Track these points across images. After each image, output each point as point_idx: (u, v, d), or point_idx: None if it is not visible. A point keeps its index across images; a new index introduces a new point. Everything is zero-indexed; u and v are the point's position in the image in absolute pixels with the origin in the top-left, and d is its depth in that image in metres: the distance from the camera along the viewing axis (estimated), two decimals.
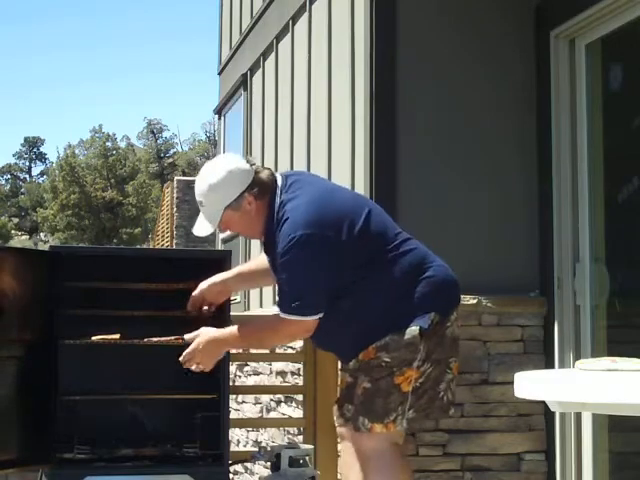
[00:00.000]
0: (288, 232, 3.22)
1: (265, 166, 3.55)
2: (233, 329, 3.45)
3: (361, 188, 4.88)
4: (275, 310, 3.32)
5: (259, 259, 3.69)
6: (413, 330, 3.25)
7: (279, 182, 3.39)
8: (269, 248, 3.40)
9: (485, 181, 4.92)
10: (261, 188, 3.35)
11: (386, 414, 3.27)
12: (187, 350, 3.41)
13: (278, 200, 3.34)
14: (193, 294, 3.76)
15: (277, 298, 3.34)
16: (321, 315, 3.26)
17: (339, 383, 3.58)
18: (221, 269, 3.94)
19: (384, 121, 4.80)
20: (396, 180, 4.78)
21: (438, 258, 3.43)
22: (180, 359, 3.42)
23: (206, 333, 3.44)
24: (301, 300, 3.24)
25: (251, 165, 3.38)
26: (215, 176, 3.36)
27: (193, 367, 3.46)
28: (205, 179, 3.40)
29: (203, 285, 3.75)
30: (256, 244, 7.60)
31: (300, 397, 4.95)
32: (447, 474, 4.58)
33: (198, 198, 3.43)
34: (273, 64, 7.36)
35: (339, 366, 3.62)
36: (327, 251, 3.21)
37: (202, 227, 3.44)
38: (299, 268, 3.23)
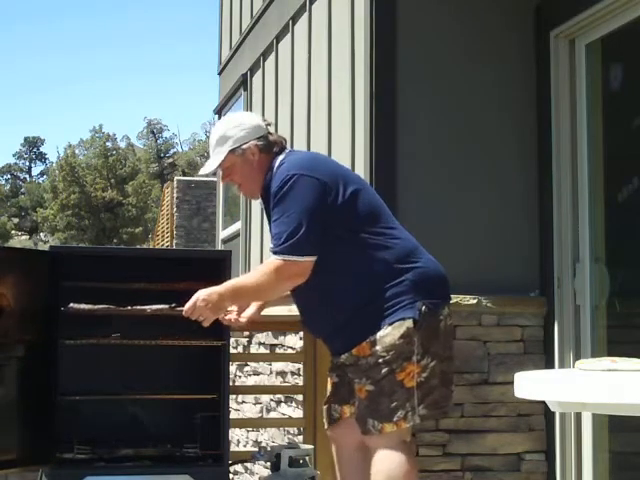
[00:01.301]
0: (283, 172, 3.33)
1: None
2: (229, 281, 3.48)
3: None
4: (271, 258, 3.32)
5: None
6: (404, 322, 3.23)
7: (286, 151, 3.52)
8: (267, 204, 3.44)
9: (485, 181, 4.92)
10: (267, 144, 3.48)
11: (393, 412, 3.24)
12: (188, 303, 3.34)
13: (279, 160, 3.44)
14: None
15: (270, 245, 3.34)
16: (315, 258, 3.26)
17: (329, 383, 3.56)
18: (221, 269, 3.94)
19: (384, 121, 4.80)
20: (396, 180, 4.78)
21: (428, 253, 3.43)
22: (183, 312, 3.36)
23: (205, 289, 3.39)
24: (295, 239, 3.23)
25: (266, 125, 3.55)
26: (229, 122, 3.54)
27: (197, 318, 3.38)
28: (220, 124, 3.60)
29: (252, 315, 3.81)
30: (256, 244, 7.60)
31: (300, 397, 4.95)
32: (447, 474, 4.58)
33: (210, 140, 3.55)
34: (273, 64, 7.36)
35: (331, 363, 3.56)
36: (318, 196, 3.26)
37: (207, 165, 3.54)
38: (292, 205, 3.26)
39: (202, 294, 3.30)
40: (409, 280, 3.29)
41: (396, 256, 3.31)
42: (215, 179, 12.77)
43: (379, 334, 3.25)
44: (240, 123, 3.50)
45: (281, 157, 3.45)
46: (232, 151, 3.47)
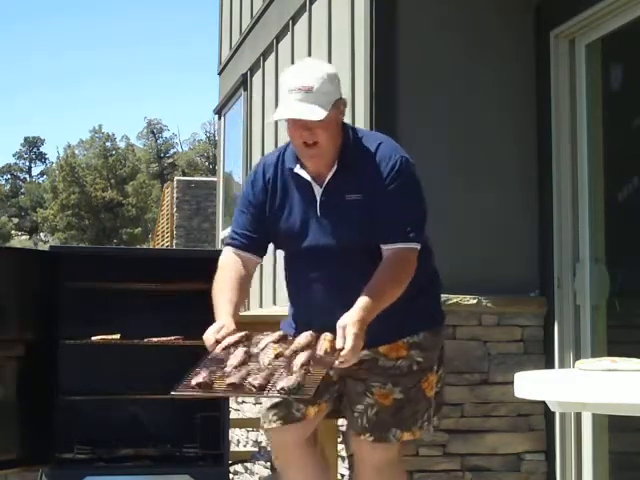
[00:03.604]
0: (395, 152, 3.03)
1: None
2: (368, 301, 2.84)
3: None
4: (398, 246, 2.95)
5: (234, 281, 3.11)
6: (441, 329, 3.20)
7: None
8: (340, 180, 3.02)
9: (485, 181, 4.92)
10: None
11: (415, 421, 3.11)
12: (346, 351, 2.73)
13: (363, 133, 3.15)
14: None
15: (393, 230, 2.96)
16: None
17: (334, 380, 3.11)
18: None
19: (384, 121, 4.80)
20: None
21: None
22: (337, 363, 2.77)
23: (351, 323, 2.78)
24: (424, 225, 3.02)
25: None
26: (331, 68, 3.06)
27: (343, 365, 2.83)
28: (319, 67, 3.03)
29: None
30: None
31: None
32: (447, 474, 4.58)
33: (307, 83, 2.92)
34: (273, 64, 7.36)
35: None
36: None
37: (309, 111, 2.90)
38: (418, 190, 3.05)
39: (355, 343, 2.74)
40: (440, 285, 3.30)
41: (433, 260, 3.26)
42: (215, 179, 12.75)
43: (420, 337, 3.09)
44: (336, 74, 3.02)
45: (357, 130, 3.13)
46: (337, 101, 2.98)
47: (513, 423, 4.67)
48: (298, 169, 3.07)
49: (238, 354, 2.78)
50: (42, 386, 4.02)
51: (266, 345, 2.84)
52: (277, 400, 3.06)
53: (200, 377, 2.68)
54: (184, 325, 4.00)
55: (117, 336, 4.13)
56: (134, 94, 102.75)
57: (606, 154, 4.71)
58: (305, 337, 2.84)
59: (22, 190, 60.70)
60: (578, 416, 4.56)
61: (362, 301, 2.82)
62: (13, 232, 53.46)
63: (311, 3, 6.29)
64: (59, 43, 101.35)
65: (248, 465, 5.94)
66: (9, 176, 63.07)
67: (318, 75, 2.95)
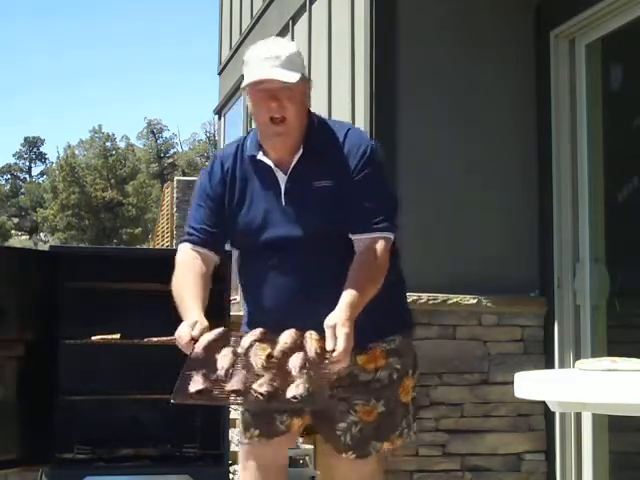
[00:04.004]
0: (364, 139, 2.91)
1: None
2: (353, 297, 2.67)
3: None
4: (372, 236, 2.80)
5: (194, 278, 2.91)
6: (411, 332, 3.05)
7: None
8: (306, 166, 2.86)
9: (485, 181, 4.92)
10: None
11: (393, 430, 2.95)
12: (339, 352, 2.57)
13: (330, 120, 3.04)
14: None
15: (366, 219, 2.81)
16: None
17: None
18: (220, 269, 3.94)
19: (384, 121, 4.80)
20: (396, 180, 4.77)
21: None
22: (334, 367, 2.59)
23: (341, 323, 2.61)
24: (397, 214, 2.87)
25: None
26: (296, 45, 3.00)
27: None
28: (287, 43, 3.03)
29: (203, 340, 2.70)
30: None
31: None
32: (447, 474, 4.58)
33: (278, 52, 2.85)
34: None
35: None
36: None
37: (283, 75, 2.80)
38: (386, 177, 2.92)
39: (347, 344, 2.57)
40: (406, 286, 3.11)
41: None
42: None
43: (396, 343, 2.91)
44: (301, 53, 2.97)
45: (320, 116, 2.99)
46: (303, 76, 2.87)
47: (513, 423, 4.67)
48: (260, 156, 2.90)
49: (227, 355, 2.59)
50: (42, 386, 4.02)
51: (251, 344, 2.63)
52: (258, 410, 2.85)
53: (199, 384, 2.51)
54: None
55: (117, 336, 4.13)
56: (134, 94, 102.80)
57: (606, 154, 4.71)
58: (290, 335, 2.64)
59: (22, 190, 60.69)
60: (578, 416, 4.56)
61: (347, 298, 2.65)
62: (13, 232, 53.46)
63: (311, 3, 6.29)
64: (59, 43, 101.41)
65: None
66: (9, 176, 63.07)
67: (287, 47, 2.92)
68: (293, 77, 2.79)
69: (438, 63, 4.93)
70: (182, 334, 2.66)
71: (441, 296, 4.57)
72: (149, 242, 36.29)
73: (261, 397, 2.46)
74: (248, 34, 8.36)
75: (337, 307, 2.64)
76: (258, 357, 2.57)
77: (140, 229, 42.82)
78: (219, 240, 2.97)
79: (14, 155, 64.50)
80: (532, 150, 4.93)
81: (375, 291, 2.75)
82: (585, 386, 2.38)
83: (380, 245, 2.80)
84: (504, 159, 4.95)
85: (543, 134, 4.87)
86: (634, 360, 2.57)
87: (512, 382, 2.68)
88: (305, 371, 2.52)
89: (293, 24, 6.75)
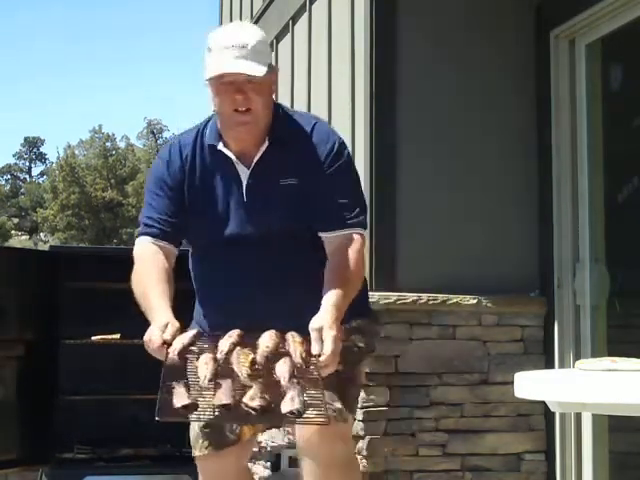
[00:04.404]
0: (332, 134, 2.81)
1: None
2: (337, 297, 2.53)
3: None
4: (345, 232, 2.68)
5: (158, 275, 2.73)
6: (378, 324, 3.01)
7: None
8: (270, 161, 2.72)
9: (485, 181, 4.92)
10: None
11: (355, 406, 2.83)
12: (327, 357, 2.42)
13: (296, 112, 2.90)
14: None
15: (339, 216, 2.70)
16: None
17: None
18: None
19: (384, 122, 4.80)
20: (396, 180, 4.77)
21: None
22: (322, 372, 2.43)
23: (328, 325, 2.46)
24: (366, 209, 2.77)
25: None
26: (262, 33, 2.76)
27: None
28: (252, 27, 2.80)
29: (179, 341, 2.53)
30: None
31: None
32: (447, 474, 4.58)
33: (243, 40, 2.63)
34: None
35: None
36: None
37: (248, 67, 2.60)
38: (355, 172, 2.83)
39: (335, 346, 2.42)
40: (367, 284, 2.96)
41: None
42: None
43: (359, 322, 2.76)
44: (267, 38, 2.78)
45: (285, 107, 2.86)
46: (270, 66, 2.70)
47: (513, 423, 4.67)
48: (221, 146, 2.72)
49: (208, 363, 2.37)
50: (42, 386, 4.02)
51: (229, 349, 2.43)
52: (206, 421, 2.58)
53: (184, 398, 2.30)
54: (184, 325, 3.99)
55: (117, 336, 4.13)
56: (134, 94, 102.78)
57: (606, 154, 4.70)
58: (271, 338, 2.45)
59: (22, 190, 60.71)
60: (578, 416, 4.56)
61: (331, 299, 2.50)
62: (13, 232, 53.46)
63: (311, 3, 6.29)
64: (60, 43, 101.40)
65: (248, 465, 5.93)
66: (9, 176, 63.11)
67: (253, 33, 2.68)
68: (260, 71, 2.60)
69: (438, 63, 4.92)
70: (153, 337, 2.46)
71: (441, 296, 4.57)
72: None
73: (254, 412, 2.27)
74: None
75: (322, 309, 2.49)
76: (242, 364, 2.38)
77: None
78: (180, 231, 2.76)
79: (14, 155, 64.62)
80: (532, 150, 4.93)
81: (356, 292, 2.64)
82: (585, 386, 2.38)
83: (357, 242, 2.67)
84: (504, 159, 4.95)
85: (543, 134, 4.87)
86: (634, 360, 2.57)
87: (512, 382, 2.68)
88: (295, 380, 2.33)
89: (293, 24, 6.74)
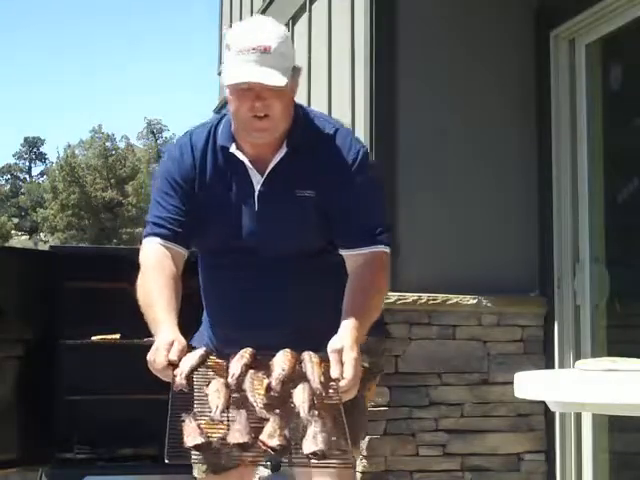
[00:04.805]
0: (356, 142, 2.59)
1: None
2: (358, 317, 2.37)
3: None
4: (371, 250, 2.50)
5: (166, 285, 2.56)
6: (385, 339, 2.74)
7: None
8: (287, 169, 2.54)
9: (485, 181, 4.92)
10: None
11: (363, 436, 2.70)
12: (347, 381, 2.25)
13: (319, 115, 2.69)
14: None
15: (365, 232, 2.52)
16: None
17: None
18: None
19: (384, 121, 4.80)
20: (396, 180, 4.77)
21: None
22: (343, 397, 2.26)
23: (348, 347, 2.30)
24: (390, 225, 2.61)
25: None
26: (285, 33, 2.53)
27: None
28: (275, 25, 2.52)
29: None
30: None
31: None
32: (447, 474, 4.58)
33: (264, 42, 2.42)
34: None
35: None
36: None
37: (268, 76, 2.40)
38: (381, 185, 2.66)
39: (356, 370, 2.26)
40: None
41: None
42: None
43: (367, 342, 2.45)
44: (289, 36, 2.55)
45: (306, 109, 2.68)
46: (294, 67, 2.51)
47: (513, 423, 4.67)
48: (233, 149, 2.54)
49: (220, 391, 2.18)
50: (42, 386, 4.02)
51: (241, 372, 2.24)
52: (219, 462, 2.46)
53: (196, 435, 2.10)
54: (184, 325, 3.99)
55: (117, 336, 4.13)
56: (134, 94, 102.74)
57: (606, 154, 4.71)
58: (287, 359, 2.25)
59: (22, 190, 60.71)
60: (578, 416, 4.56)
61: (352, 319, 2.34)
62: (13, 232, 53.46)
63: (311, 3, 6.29)
64: (59, 43, 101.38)
65: None
66: (9, 176, 63.13)
67: (275, 33, 2.45)
68: (281, 80, 2.41)
69: (438, 63, 4.92)
70: (157, 358, 2.30)
71: (441, 296, 4.57)
72: None
73: (272, 452, 2.09)
74: None
75: (342, 328, 2.32)
76: (256, 391, 2.20)
77: (140, 229, 42.79)
78: (191, 231, 2.58)
79: (14, 155, 64.68)
80: (532, 150, 4.93)
81: (379, 312, 2.50)
82: (585, 386, 2.38)
83: (382, 261, 2.51)
84: (504, 159, 4.95)
85: (543, 134, 4.87)
86: (634, 360, 2.57)
87: (512, 382, 2.68)
88: (316, 413, 2.12)
89: (293, 24, 6.75)
